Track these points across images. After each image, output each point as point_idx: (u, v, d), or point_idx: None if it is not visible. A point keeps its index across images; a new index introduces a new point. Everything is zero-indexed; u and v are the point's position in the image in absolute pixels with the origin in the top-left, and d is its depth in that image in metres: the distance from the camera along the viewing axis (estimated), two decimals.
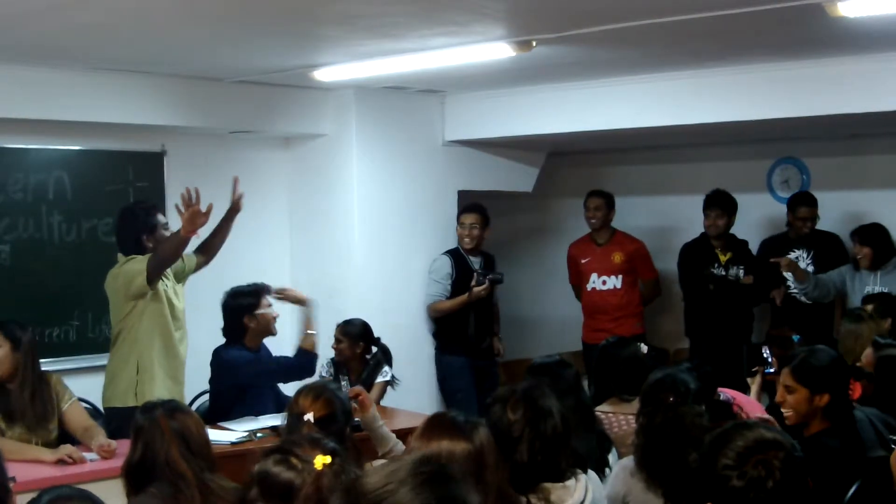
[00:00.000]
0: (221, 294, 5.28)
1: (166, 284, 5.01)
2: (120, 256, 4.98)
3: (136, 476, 2.97)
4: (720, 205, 6.44)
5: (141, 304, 4.89)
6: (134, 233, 4.96)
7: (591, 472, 3.17)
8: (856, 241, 5.96)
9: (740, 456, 2.15)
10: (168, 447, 2.92)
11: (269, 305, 5.22)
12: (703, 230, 6.58)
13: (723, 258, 6.47)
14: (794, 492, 2.12)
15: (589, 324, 6.85)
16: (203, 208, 4.70)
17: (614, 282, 6.76)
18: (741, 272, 6.42)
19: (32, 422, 4.40)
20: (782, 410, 3.67)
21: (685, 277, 6.68)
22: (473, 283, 6.29)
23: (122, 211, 5.15)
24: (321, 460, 2.15)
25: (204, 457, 2.97)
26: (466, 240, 6.45)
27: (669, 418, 3.21)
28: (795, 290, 6.22)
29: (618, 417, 4.13)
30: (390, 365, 5.59)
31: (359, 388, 3.63)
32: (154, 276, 4.84)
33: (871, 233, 5.97)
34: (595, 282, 6.80)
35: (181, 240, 4.80)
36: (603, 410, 4.15)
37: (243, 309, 5.18)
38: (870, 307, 5.27)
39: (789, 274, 6.10)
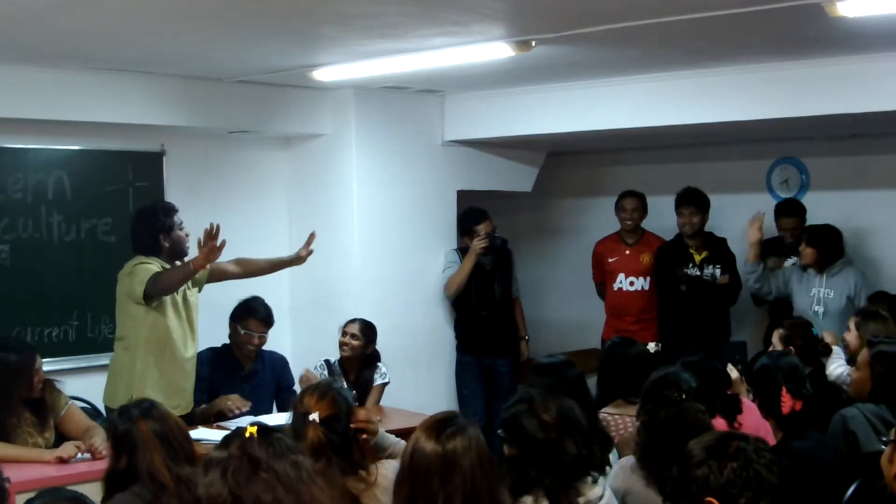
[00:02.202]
0: (221, 293, 5.30)
1: (176, 291, 4.99)
2: (140, 258, 4.96)
3: (116, 483, 2.95)
4: (694, 202, 6.39)
5: (143, 310, 4.88)
6: (152, 233, 4.96)
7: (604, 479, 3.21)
8: (804, 239, 5.88)
9: (710, 450, 2.26)
10: (150, 455, 2.90)
11: (254, 331, 5.24)
12: (674, 230, 6.56)
13: (698, 258, 6.42)
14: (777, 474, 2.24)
15: (612, 324, 6.74)
16: (214, 234, 4.66)
17: (642, 283, 6.68)
18: (717, 271, 6.38)
19: (32, 431, 4.40)
20: None
21: (658, 279, 6.63)
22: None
23: (140, 211, 5.16)
24: (249, 430, 2.28)
25: (186, 454, 2.97)
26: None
27: (672, 415, 3.24)
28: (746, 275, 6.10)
29: (623, 419, 4.11)
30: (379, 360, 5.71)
31: (365, 416, 3.55)
32: (151, 295, 4.83)
33: (819, 234, 5.87)
34: (622, 282, 6.72)
35: (188, 273, 4.77)
36: (609, 412, 4.14)
37: (232, 315, 5.30)
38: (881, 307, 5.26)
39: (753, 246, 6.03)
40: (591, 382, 4.44)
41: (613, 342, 4.53)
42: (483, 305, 6.57)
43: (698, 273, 6.39)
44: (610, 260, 6.79)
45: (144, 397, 3.29)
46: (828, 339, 5.12)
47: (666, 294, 6.59)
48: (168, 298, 4.91)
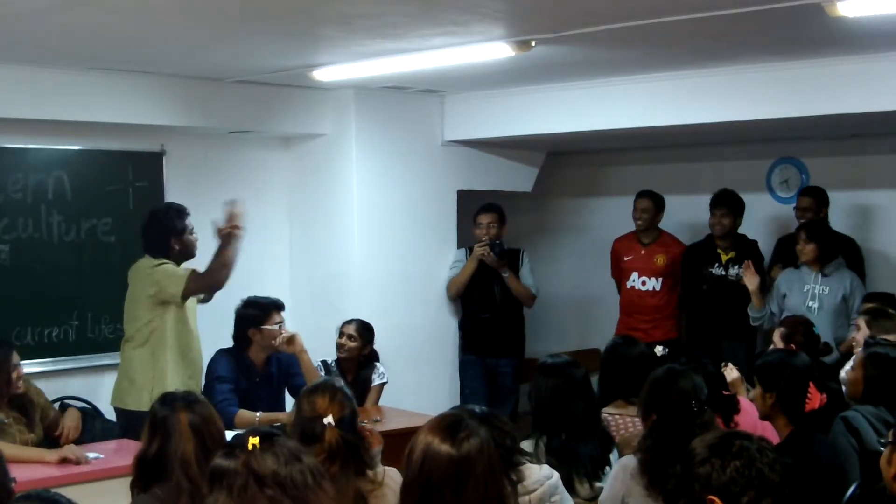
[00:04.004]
0: (221, 293, 5.28)
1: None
2: (147, 258, 4.98)
3: (145, 469, 2.95)
4: (726, 204, 6.40)
5: (166, 309, 4.90)
6: (163, 235, 4.98)
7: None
8: (802, 236, 5.85)
9: (713, 448, 2.24)
10: (184, 445, 2.89)
11: (279, 323, 5.15)
12: (707, 230, 6.57)
13: (724, 258, 6.45)
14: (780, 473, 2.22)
15: (625, 322, 6.76)
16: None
17: (654, 283, 6.70)
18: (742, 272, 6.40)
19: (23, 428, 4.42)
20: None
21: (684, 276, 6.70)
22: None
23: (152, 212, 5.16)
24: (251, 442, 2.19)
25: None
26: (485, 239, 6.49)
27: (687, 429, 3.15)
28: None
29: (624, 419, 4.10)
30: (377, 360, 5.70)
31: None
32: (190, 294, 4.90)
33: (818, 230, 5.88)
34: (635, 281, 6.75)
35: (232, 258, 4.88)
36: (609, 412, 4.12)
37: (250, 320, 5.13)
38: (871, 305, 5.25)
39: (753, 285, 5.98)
40: (593, 381, 4.44)
41: (615, 342, 4.51)
42: (484, 308, 6.57)
43: (723, 273, 6.42)
44: (625, 258, 6.82)
45: (189, 390, 3.28)
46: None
47: (689, 292, 6.63)
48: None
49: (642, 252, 6.75)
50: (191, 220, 5.08)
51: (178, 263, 5.00)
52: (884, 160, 6.59)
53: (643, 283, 6.73)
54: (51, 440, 4.56)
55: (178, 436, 2.90)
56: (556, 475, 3.14)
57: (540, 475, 3.09)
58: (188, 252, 5.03)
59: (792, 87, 5.27)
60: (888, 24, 4.19)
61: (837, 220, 6.40)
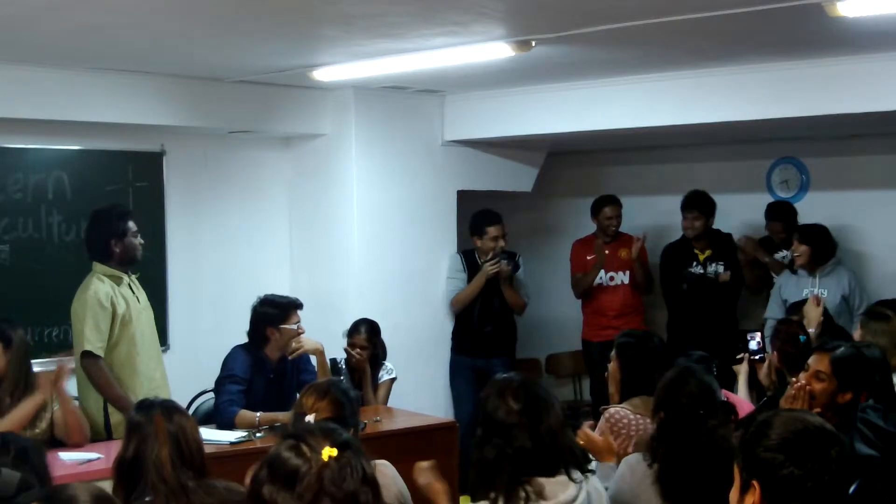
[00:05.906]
0: (221, 293, 5.28)
1: (137, 299, 4.98)
2: (95, 264, 4.93)
3: (125, 474, 2.97)
4: (697, 206, 6.47)
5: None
6: (104, 236, 4.92)
7: (593, 478, 3.03)
8: (795, 238, 5.86)
9: (789, 444, 2.05)
10: (160, 449, 2.91)
11: (297, 322, 5.10)
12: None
13: (702, 256, 6.50)
14: (843, 486, 2.10)
15: (592, 321, 6.83)
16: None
17: (622, 277, 6.83)
18: (720, 268, 6.43)
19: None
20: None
21: (663, 277, 6.73)
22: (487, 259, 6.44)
23: (95, 213, 5.10)
24: (327, 452, 2.06)
25: (194, 464, 2.96)
26: (496, 251, 6.48)
27: (700, 434, 3.09)
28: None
29: (645, 420, 3.87)
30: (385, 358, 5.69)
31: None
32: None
33: (812, 232, 5.89)
34: (602, 278, 6.85)
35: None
36: (627, 408, 3.94)
37: (268, 319, 5.08)
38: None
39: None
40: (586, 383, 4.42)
41: (635, 336, 4.25)
42: (485, 321, 6.55)
43: (702, 271, 6.45)
44: (589, 257, 6.90)
45: (167, 398, 3.29)
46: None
47: (670, 292, 6.66)
48: (126, 316, 4.88)
49: (606, 251, 6.82)
50: (134, 223, 4.98)
51: (122, 267, 4.94)
52: (883, 160, 6.59)
53: (611, 278, 6.85)
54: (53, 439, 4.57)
55: (153, 439, 2.93)
56: (581, 498, 2.87)
57: (566, 495, 2.82)
58: (130, 255, 4.96)
59: (792, 87, 5.27)
60: (888, 24, 4.19)
61: (837, 220, 6.39)
